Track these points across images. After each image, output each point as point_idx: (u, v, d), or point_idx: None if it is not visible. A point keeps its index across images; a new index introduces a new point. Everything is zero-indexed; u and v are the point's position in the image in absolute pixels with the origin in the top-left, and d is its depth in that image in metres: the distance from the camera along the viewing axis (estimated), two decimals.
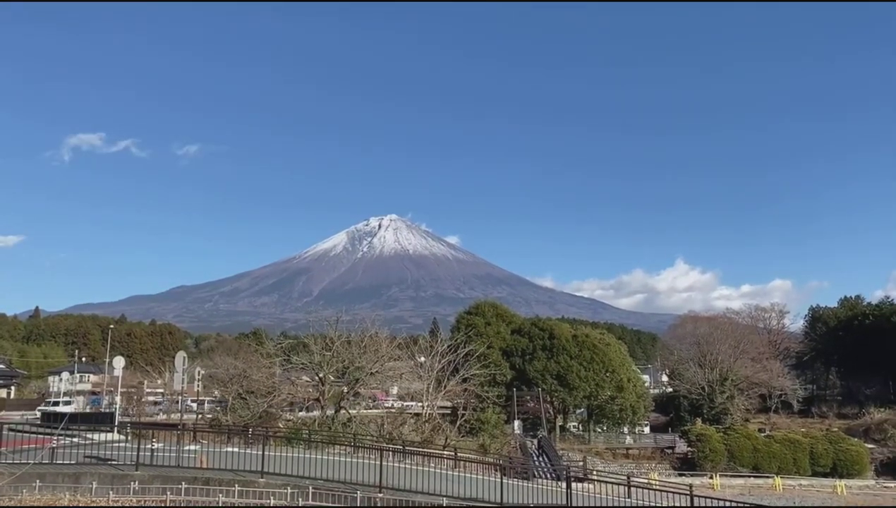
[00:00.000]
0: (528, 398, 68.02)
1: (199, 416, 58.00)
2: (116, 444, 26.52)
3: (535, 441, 57.99)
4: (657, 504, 22.30)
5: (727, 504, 22.55)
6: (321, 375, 46.04)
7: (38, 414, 54.44)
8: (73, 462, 21.47)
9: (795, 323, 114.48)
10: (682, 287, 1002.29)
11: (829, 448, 61.84)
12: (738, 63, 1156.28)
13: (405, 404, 63.31)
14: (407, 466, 23.16)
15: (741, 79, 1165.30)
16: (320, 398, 46.62)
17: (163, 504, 17.58)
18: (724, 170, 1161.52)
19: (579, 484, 23.26)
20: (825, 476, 59.30)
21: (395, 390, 69.55)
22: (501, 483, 20.15)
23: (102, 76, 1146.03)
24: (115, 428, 34.05)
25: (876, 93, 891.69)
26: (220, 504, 17.62)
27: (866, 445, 65.82)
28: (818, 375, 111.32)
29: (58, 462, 21.18)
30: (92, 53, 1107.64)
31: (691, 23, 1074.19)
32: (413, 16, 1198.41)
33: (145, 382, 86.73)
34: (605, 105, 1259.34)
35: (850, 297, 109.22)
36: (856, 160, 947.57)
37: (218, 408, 63.11)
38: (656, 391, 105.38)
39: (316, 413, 49.11)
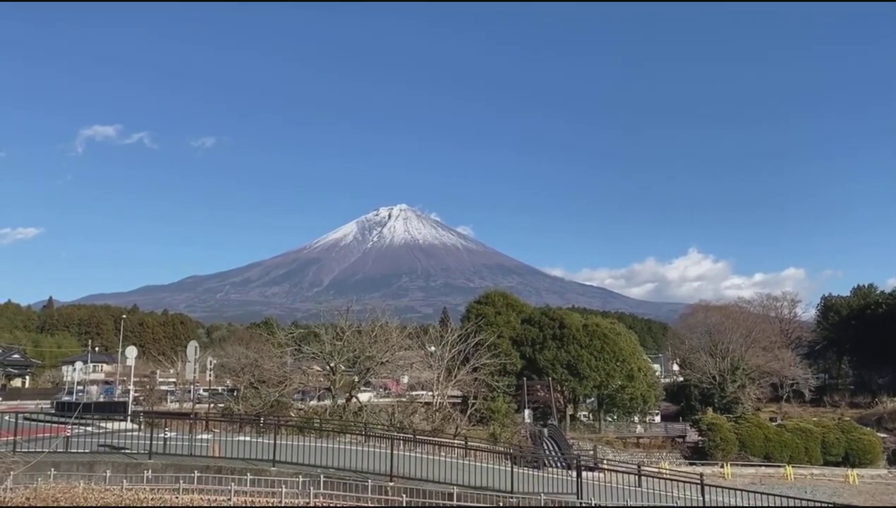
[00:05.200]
0: (539, 387, 68.08)
1: (211, 406, 58.39)
2: (130, 433, 26.76)
3: (546, 431, 58.07)
4: (668, 493, 22.31)
5: (738, 492, 22.54)
6: (332, 364, 46.22)
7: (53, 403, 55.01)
8: (87, 450, 21.69)
9: (807, 312, 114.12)
10: (692, 276, 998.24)
11: (840, 438, 61.61)
12: (757, 56, 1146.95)
13: (416, 393, 63.57)
14: (418, 455, 23.24)
15: (757, 71, 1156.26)
16: (331, 387, 46.85)
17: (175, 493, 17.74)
18: (740, 160, 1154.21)
19: (590, 473, 23.27)
20: (837, 465, 59.13)
21: (405, 379, 69.80)
22: (512, 471, 20.20)
23: (118, 70, 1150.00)
24: (129, 417, 34.38)
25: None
26: (232, 492, 17.74)
27: (879, 434, 65.54)
28: (830, 364, 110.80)
29: (72, 450, 21.41)
30: (107, 48, 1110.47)
31: (713, 15, 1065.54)
32: (427, 5, 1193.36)
33: (158, 371, 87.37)
34: (620, 98, 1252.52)
35: (863, 286, 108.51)
36: (872, 149, 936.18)
37: (227, 396, 63.52)
38: (667, 380, 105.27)
39: (327, 402, 49.35)
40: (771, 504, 21.61)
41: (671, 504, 21.23)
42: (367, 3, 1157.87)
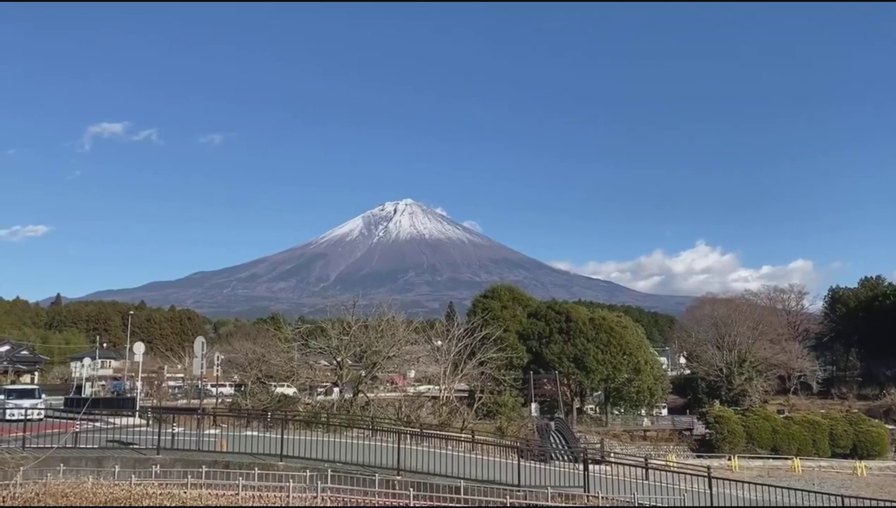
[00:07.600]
0: (545, 381, 68.06)
1: (219, 401, 58.64)
2: (138, 428, 26.86)
3: (552, 424, 58.08)
4: (675, 486, 22.29)
5: (745, 485, 22.51)
6: (339, 359, 46.31)
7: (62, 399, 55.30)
8: (95, 446, 21.81)
9: (815, 304, 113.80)
10: (699, 268, 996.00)
11: (848, 430, 61.47)
12: (765, 51, 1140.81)
13: (422, 387, 63.64)
14: (425, 449, 23.30)
15: (765, 67, 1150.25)
16: (338, 382, 46.96)
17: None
18: (748, 154, 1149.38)
19: (596, 466, 23.28)
20: (845, 457, 59.03)
21: (412, 374, 69.88)
22: (519, 465, 20.22)
23: (126, 67, 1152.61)
24: (137, 413, 34.52)
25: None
26: (240, 487, 17.81)
27: (887, 426, 65.37)
28: (838, 356, 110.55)
29: (81, 446, 21.50)
30: (114, 46, 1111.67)
31: (721, 12, 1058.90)
32: (433, 5, 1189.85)
33: (165, 367, 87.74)
34: (627, 95, 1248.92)
35: (871, 278, 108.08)
36: (880, 142, 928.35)
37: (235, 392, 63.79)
38: (674, 373, 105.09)
39: (334, 396, 49.49)
40: (779, 497, 21.57)
41: (678, 497, 21.21)
42: (376, 2, 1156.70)
